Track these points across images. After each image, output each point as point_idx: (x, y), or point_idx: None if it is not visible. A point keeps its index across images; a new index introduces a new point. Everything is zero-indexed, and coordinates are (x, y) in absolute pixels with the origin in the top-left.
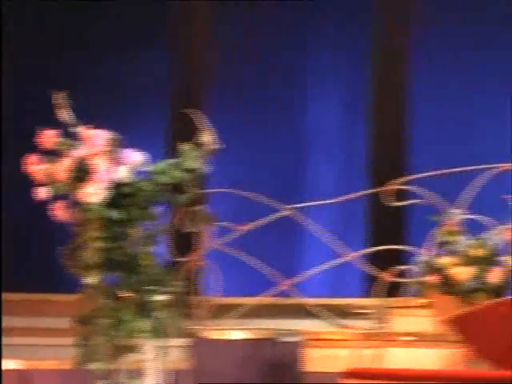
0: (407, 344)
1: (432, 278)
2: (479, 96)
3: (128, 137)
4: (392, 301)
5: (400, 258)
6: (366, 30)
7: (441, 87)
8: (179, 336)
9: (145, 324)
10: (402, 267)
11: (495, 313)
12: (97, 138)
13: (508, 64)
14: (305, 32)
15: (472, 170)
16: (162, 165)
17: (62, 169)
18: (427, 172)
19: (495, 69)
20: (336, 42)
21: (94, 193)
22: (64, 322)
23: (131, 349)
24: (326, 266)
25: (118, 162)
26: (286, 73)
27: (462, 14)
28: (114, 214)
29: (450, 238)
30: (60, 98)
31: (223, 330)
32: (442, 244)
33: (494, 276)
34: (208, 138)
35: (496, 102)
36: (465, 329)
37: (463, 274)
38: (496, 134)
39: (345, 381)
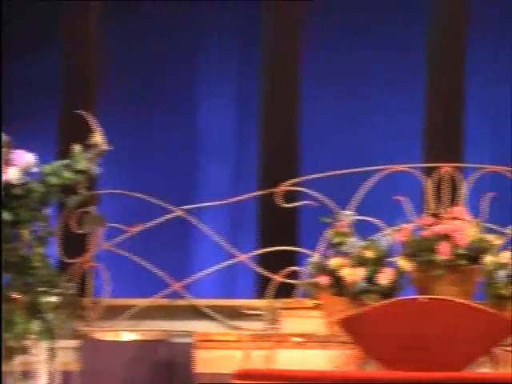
0: (298, 345)
1: (323, 280)
2: (369, 97)
3: (19, 138)
4: (283, 302)
5: (291, 259)
6: (257, 30)
7: (332, 88)
8: (70, 337)
9: (36, 325)
10: (294, 268)
11: (385, 314)
12: None
13: (397, 65)
14: (196, 34)
15: (363, 172)
16: (52, 166)
17: None
18: (319, 173)
19: (385, 69)
20: (227, 42)
21: None
22: None
23: (22, 350)
24: (217, 267)
25: (8, 163)
26: (176, 73)
27: (352, 13)
28: (5, 216)
29: (341, 240)
30: None
31: (114, 331)
32: (333, 245)
33: (385, 277)
34: (99, 139)
35: (387, 103)
36: (355, 330)
37: (354, 275)
38: (387, 135)
39: (236, 381)
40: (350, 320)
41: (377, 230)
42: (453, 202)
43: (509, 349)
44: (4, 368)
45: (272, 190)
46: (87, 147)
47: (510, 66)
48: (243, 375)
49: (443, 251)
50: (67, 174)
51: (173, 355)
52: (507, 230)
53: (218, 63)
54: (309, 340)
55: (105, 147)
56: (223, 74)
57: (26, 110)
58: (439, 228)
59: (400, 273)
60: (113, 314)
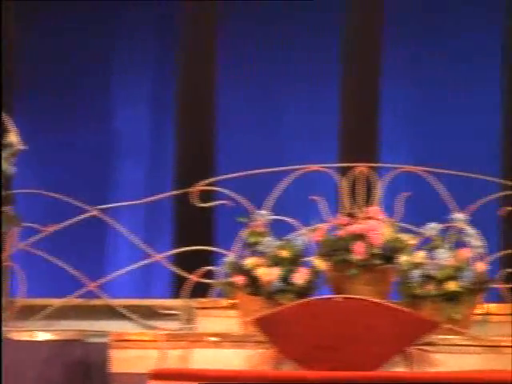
0: (214, 344)
1: (238, 279)
2: (285, 97)
3: None
4: (199, 301)
5: (207, 258)
6: (173, 30)
7: (247, 88)
8: None
9: None
10: (209, 268)
11: (300, 313)
12: None
13: (311, 65)
14: (112, 34)
15: (278, 171)
16: None
17: None
18: (234, 173)
19: (299, 69)
20: (143, 43)
21: None
22: None
23: None
24: (133, 267)
25: None
26: (92, 73)
27: (267, 14)
28: None
29: (257, 239)
30: None
31: (29, 331)
32: (249, 245)
33: (300, 277)
34: (14, 138)
35: (302, 102)
36: (270, 329)
37: (269, 274)
38: (302, 135)
39: (152, 382)
40: (266, 320)
41: (292, 229)
42: (368, 201)
43: (423, 348)
44: None
45: (187, 190)
46: (2, 147)
47: (424, 66)
48: (159, 375)
49: (358, 251)
50: None
51: (88, 355)
52: (422, 230)
53: (133, 64)
54: (224, 339)
55: (20, 147)
56: (139, 75)
57: None
58: (354, 228)
59: (315, 272)
60: (28, 313)
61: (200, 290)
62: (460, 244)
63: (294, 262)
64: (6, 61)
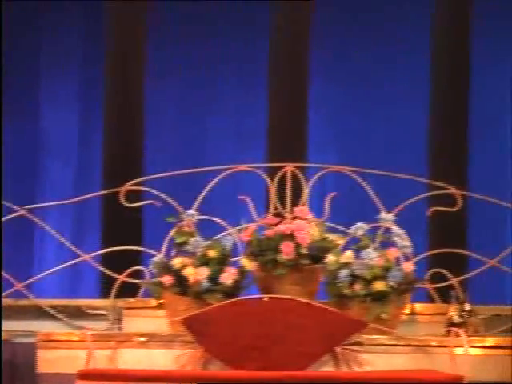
0: (142, 345)
1: (166, 279)
2: (214, 96)
3: None
4: (127, 301)
5: (135, 258)
6: (101, 30)
7: (175, 88)
8: None
9: None
10: (137, 268)
11: (228, 313)
12: None
13: (241, 64)
14: (40, 34)
15: (207, 171)
16: None
17: None
18: (162, 173)
19: (230, 69)
20: (71, 43)
21: None
22: None
23: None
24: (61, 267)
25: None
26: (19, 74)
27: (199, 7)
28: None
29: (185, 239)
30: None
31: None
32: (177, 245)
33: (228, 277)
34: None
35: (232, 102)
36: (198, 329)
37: (197, 274)
38: (231, 135)
39: (80, 382)
40: (193, 320)
41: (220, 229)
42: (296, 201)
43: (351, 348)
44: None
45: (115, 190)
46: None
47: (351, 66)
48: (87, 375)
49: (286, 251)
50: None
51: (15, 355)
52: (350, 230)
53: (61, 64)
54: (152, 340)
55: None
56: (67, 75)
57: None
58: (282, 228)
59: (243, 272)
60: None
61: (128, 290)
62: (387, 244)
63: (222, 261)
64: None
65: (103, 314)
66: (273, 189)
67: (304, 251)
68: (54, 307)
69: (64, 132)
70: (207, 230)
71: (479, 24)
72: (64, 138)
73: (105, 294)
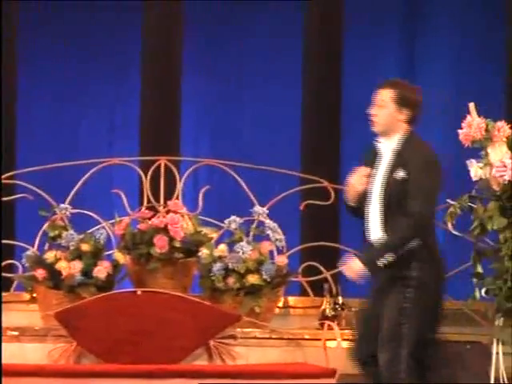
0: (15, 339)
1: (39, 273)
2: (87, 89)
3: None
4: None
5: (8, 252)
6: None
7: (48, 81)
8: None
9: None
10: (10, 262)
11: (101, 307)
12: None
13: (112, 57)
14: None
15: (80, 165)
16: None
17: None
18: (35, 166)
19: (101, 61)
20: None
21: None
22: None
23: None
24: None
25: None
26: None
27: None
28: None
29: (58, 233)
30: None
31: None
32: (50, 238)
33: (101, 270)
34: None
35: (107, 95)
36: (71, 323)
37: (70, 268)
38: (104, 127)
39: None
40: (66, 313)
41: (94, 223)
42: (169, 195)
43: (224, 341)
44: None
45: None
46: None
47: (222, 62)
48: None
49: (159, 244)
50: None
51: None
52: (223, 224)
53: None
54: (25, 334)
55: None
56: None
57: None
58: (156, 221)
59: (117, 266)
60: None
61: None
62: (261, 237)
63: (96, 255)
64: None
65: None
66: (146, 182)
67: (178, 245)
68: None
69: None
70: (80, 223)
71: (351, 23)
72: None
73: None
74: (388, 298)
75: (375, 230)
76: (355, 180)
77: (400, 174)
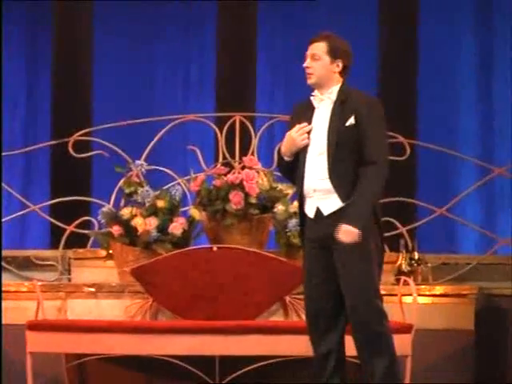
0: (91, 295)
1: (115, 229)
2: (160, 45)
3: None
4: (76, 252)
5: (84, 209)
6: None
7: (122, 38)
8: None
9: None
10: (86, 218)
11: (177, 263)
12: None
13: (188, 12)
14: None
15: (155, 121)
16: None
17: None
18: (110, 123)
19: (178, 17)
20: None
21: None
22: None
23: None
24: (9, 218)
25: None
26: None
27: None
28: None
29: (133, 189)
30: None
31: None
32: (126, 195)
33: (177, 227)
34: None
35: (181, 52)
36: (147, 279)
37: (146, 224)
38: (178, 84)
39: (30, 333)
40: (143, 270)
41: (169, 179)
42: (244, 151)
43: (300, 297)
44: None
45: (64, 140)
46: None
47: (297, 15)
48: (36, 326)
49: (235, 200)
50: None
51: None
52: None
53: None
54: (101, 290)
55: None
56: (15, 25)
57: None
58: (231, 177)
59: (192, 222)
60: None
61: (77, 241)
62: None
63: (171, 212)
64: None
65: (52, 265)
66: (221, 138)
67: (253, 201)
68: (2, 258)
69: (11, 82)
70: (156, 180)
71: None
72: (11, 89)
73: (54, 245)
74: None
75: (318, 179)
76: (297, 136)
77: (350, 121)
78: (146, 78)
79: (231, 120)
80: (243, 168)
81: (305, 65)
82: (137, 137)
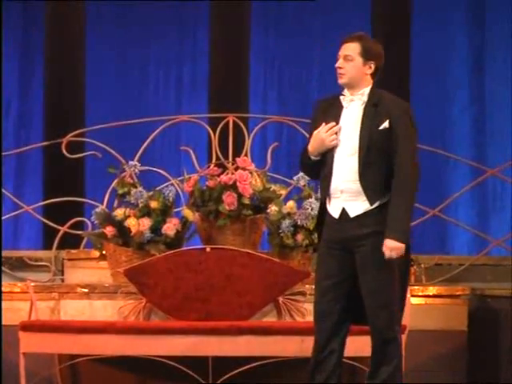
0: (84, 296)
1: (108, 230)
2: (154, 46)
3: None
4: (69, 253)
5: (77, 209)
6: None
7: (114, 38)
8: None
9: None
10: (79, 219)
11: (170, 264)
12: None
13: (182, 12)
14: None
15: (148, 122)
16: None
17: None
18: (103, 124)
19: (171, 17)
20: None
21: None
22: None
23: None
24: (3, 218)
25: None
26: None
27: None
28: None
29: (127, 190)
30: None
31: None
32: (119, 196)
33: (170, 228)
34: None
35: (171, 52)
36: (140, 280)
37: (139, 225)
38: (172, 85)
39: (22, 333)
40: (136, 270)
41: (162, 180)
42: (238, 151)
43: (293, 298)
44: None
45: (57, 141)
46: None
47: (290, 16)
48: (29, 326)
49: (228, 201)
50: None
51: None
52: (292, 180)
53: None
54: (95, 291)
55: None
56: (6, 32)
57: None
58: (224, 178)
59: (185, 223)
60: None
61: (70, 242)
62: None
63: (165, 212)
64: None
65: (45, 266)
66: (215, 139)
67: (246, 201)
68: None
69: (4, 83)
70: (149, 180)
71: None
72: (4, 89)
73: (47, 246)
74: None
75: (347, 180)
76: (326, 136)
77: (385, 125)
78: (138, 78)
79: (224, 121)
80: (236, 169)
81: (337, 65)
82: (130, 137)
